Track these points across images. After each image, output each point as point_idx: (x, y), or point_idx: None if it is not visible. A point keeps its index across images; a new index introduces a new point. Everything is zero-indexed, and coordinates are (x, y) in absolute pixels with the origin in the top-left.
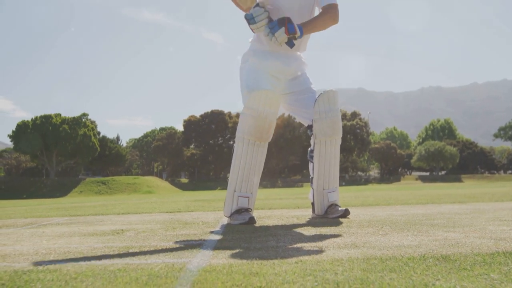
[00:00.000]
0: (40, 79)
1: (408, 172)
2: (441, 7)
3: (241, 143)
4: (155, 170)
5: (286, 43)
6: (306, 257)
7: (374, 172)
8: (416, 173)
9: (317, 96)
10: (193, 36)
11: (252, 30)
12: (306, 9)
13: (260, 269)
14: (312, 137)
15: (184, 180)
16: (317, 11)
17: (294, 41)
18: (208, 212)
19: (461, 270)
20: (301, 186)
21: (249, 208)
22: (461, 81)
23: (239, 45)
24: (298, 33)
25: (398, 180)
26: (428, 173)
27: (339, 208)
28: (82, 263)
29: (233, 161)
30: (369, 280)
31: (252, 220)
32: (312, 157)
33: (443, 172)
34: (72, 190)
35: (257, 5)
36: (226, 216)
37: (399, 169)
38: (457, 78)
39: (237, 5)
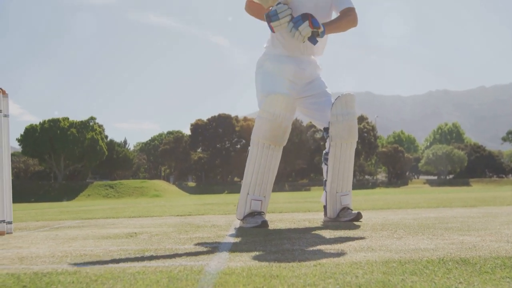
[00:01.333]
0: (47, 82)
1: (415, 176)
2: (447, 10)
3: (256, 147)
4: (162, 174)
5: (309, 39)
6: (324, 260)
7: (381, 175)
8: (424, 177)
9: (333, 100)
10: (199, 40)
11: (271, 29)
12: (321, 12)
13: (279, 271)
14: (327, 140)
15: (191, 183)
16: (334, 16)
17: (317, 38)
18: (218, 215)
19: (483, 274)
20: (308, 190)
21: (262, 212)
22: (469, 85)
23: (246, 48)
24: (321, 28)
25: (406, 184)
26: (435, 177)
27: (352, 212)
28: (99, 265)
29: (247, 164)
30: (390, 283)
31: (264, 223)
32: (326, 159)
33: (450, 176)
34: (79, 194)
35: (279, 3)
36: (239, 219)
37: (407, 173)
38: (465, 82)
39: (257, 13)
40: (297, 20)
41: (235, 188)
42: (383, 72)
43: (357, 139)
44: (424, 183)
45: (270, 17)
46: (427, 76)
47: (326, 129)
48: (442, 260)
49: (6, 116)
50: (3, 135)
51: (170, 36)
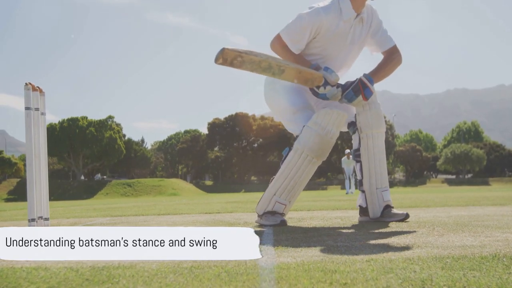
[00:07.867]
0: (67, 82)
1: (433, 175)
2: (466, 8)
3: (298, 156)
4: (180, 173)
5: None
6: (375, 256)
7: (398, 175)
8: (442, 176)
9: None
10: (218, 40)
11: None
12: (352, 58)
13: (335, 267)
14: (354, 136)
15: (208, 182)
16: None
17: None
18: (247, 213)
19: None
20: (325, 189)
21: (283, 213)
22: (488, 83)
23: (264, 47)
24: (374, 92)
25: (424, 183)
26: (454, 176)
27: (398, 212)
28: (151, 260)
29: (283, 167)
30: (453, 278)
31: (283, 223)
32: (358, 155)
33: (469, 175)
34: (98, 192)
35: (326, 82)
36: (257, 213)
37: (425, 172)
38: (484, 80)
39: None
40: (351, 97)
41: (252, 187)
42: (400, 70)
43: (385, 129)
44: (443, 182)
45: (322, 98)
46: (446, 74)
47: (352, 124)
48: (496, 256)
49: (43, 114)
50: (40, 133)
51: (188, 36)
